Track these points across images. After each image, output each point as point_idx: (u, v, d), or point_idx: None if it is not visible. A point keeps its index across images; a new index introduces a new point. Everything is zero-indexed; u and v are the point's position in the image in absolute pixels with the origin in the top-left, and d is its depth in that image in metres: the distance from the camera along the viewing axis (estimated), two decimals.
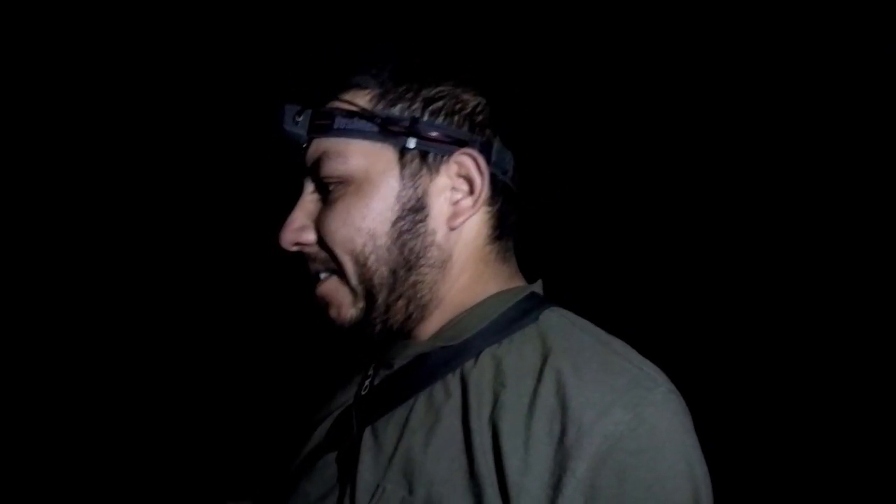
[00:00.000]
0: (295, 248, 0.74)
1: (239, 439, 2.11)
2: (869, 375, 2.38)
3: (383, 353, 0.77)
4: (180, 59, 2.42)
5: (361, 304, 0.72)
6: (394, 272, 0.71)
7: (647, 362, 0.64)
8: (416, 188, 0.71)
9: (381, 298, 0.71)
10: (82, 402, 2.34)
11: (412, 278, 0.71)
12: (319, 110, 0.73)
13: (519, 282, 0.78)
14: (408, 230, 0.71)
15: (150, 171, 2.52)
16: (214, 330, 2.44)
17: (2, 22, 2.19)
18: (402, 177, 0.71)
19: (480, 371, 0.66)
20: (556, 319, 0.70)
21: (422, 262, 0.71)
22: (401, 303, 0.72)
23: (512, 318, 0.70)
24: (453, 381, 0.67)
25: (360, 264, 0.70)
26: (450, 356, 0.69)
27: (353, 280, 0.71)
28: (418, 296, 0.72)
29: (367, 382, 0.76)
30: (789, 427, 2.41)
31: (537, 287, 0.77)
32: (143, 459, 2.25)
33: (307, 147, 0.74)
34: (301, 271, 0.77)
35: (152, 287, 2.51)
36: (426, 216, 0.71)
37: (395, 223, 0.70)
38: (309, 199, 0.76)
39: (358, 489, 0.65)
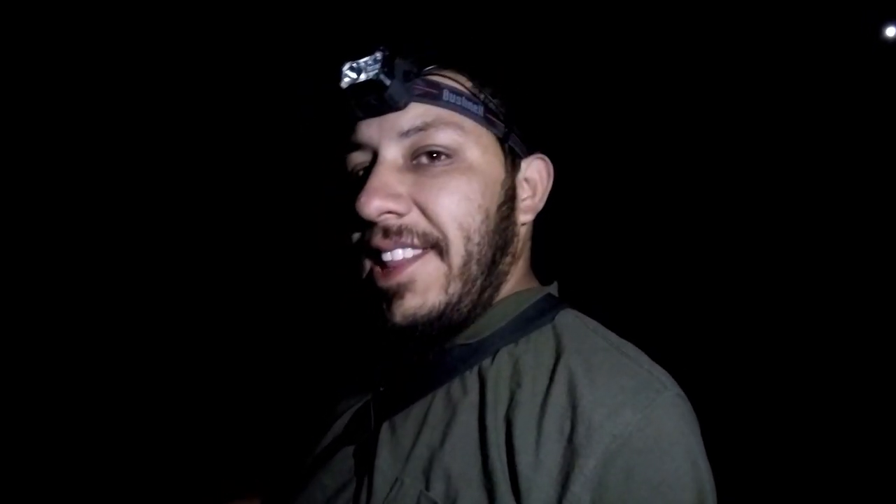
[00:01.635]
0: (382, 218, 0.67)
1: (257, 432, 2.11)
2: (872, 376, 2.37)
3: (402, 349, 0.77)
4: (181, 53, 2.40)
5: (456, 286, 0.68)
6: (494, 257, 0.71)
7: (657, 366, 0.66)
8: (513, 179, 0.74)
9: (479, 281, 0.69)
10: (89, 401, 2.36)
11: (501, 266, 0.72)
12: (429, 77, 0.70)
13: (534, 282, 0.80)
14: (506, 217, 0.72)
15: (154, 170, 2.53)
16: (234, 325, 2.46)
17: (2, 22, 2.20)
18: (504, 165, 0.73)
19: (497, 369, 0.68)
20: (571, 321, 0.72)
21: (509, 250, 0.73)
22: (488, 292, 0.71)
23: (529, 317, 0.72)
24: (471, 378, 0.69)
25: (473, 242, 0.68)
26: (467, 354, 0.71)
27: (457, 259, 0.68)
28: (500, 286, 0.73)
29: (386, 378, 0.78)
30: (794, 429, 2.40)
31: (553, 289, 0.79)
32: (157, 453, 2.27)
33: (404, 110, 0.68)
34: (357, 250, 0.71)
35: (167, 283, 2.52)
36: (515, 208, 0.74)
37: (500, 207, 0.71)
38: (395, 167, 0.69)
39: (375, 482, 0.67)
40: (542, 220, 0.79)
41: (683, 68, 2.66)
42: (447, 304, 0.68)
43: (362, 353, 0.82)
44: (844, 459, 2.26)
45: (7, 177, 2.33)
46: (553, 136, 0.80)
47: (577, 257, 2.47)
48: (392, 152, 0.69)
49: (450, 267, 0.68)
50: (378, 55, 0.66)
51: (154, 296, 2.52)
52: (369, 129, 0.70)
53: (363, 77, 0.66)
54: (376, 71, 0.65)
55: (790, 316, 2.59)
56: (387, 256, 0.68)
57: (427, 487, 0.63)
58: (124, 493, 2.19)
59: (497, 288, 0.73)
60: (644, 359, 0.67)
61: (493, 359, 0.69)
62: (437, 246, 0.68)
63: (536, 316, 0.72)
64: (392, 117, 0.68)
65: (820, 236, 2.65)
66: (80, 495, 2.18)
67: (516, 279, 0.76)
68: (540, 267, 0.82)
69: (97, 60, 2.38)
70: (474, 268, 0.68)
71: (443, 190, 0.67)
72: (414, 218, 0.68)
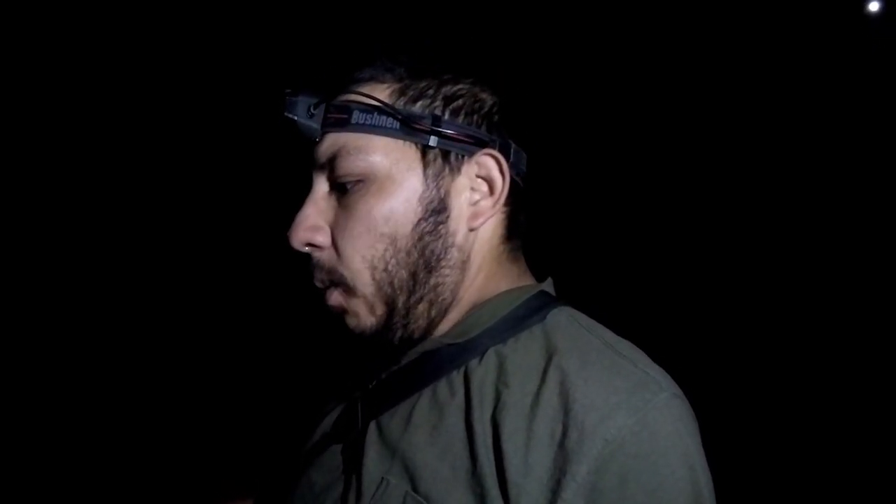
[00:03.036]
0: (306, 249, 0.71)
1: (245, 428, 2.13)
2: (873, 376, 2.40)
3: (391, 348, 0.76)
4: (184, 53, 2.41)
5: (380, 311, 0.69)
6: (413, 275, 0.69)
7: (654, 365, 0.64)
8: (439, 188, 0.69)
9: (400, 303, 0.69)
10: (82, 399, 2.37)
11: (433, 280, 0.70)
12: (335, 103, 0.70)
13: (528, 280, 0.78)
14: (430, 231, 0.69)
15: (152, 170, 2.53)
16: (222, 322, 2.47)
17: (2, 22, 2.19)
18: (425, 176, 0.69)
19: (485, 370, 0.66)
20: (564, 319, 0.70)
21: (442, 263, 0.70)
22: (422, 306, 0.70)
23: (519, 316, 0.70)
24: (458, 378, 0.68)
25: (379, 270, 0.68)
26: (455, 354, 0.69)
27: (368, 290, 0.69)
28: (439, 298, 0.71)
29: (374, 376, 0.76)
30: (796, 430, 2.38)
31: (547, 285, 0.77)
32: (147, 451, 2.28)
33: (320, 141, 0.71)
34: (307, 273, 0.74)
35: (156, 283, 2.53)
36: (447, 217, 0.70)
37: (416, 225, 0.68)
38: (321, 198, 0.71)
39: (363, 481, 0.66)
40: (536, 217, 0.76)
41: (668, 50, 2.62)
42: (382, 324, 0.70)
43: (352, 349, 0.80)
44: (845, 460, 2.25)
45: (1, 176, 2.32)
46: (518, 128, 0.75)
47: (577, 253, 2.46)
48: (319, 183, 0.72)
49: (364, 297, 0.69)
50: (287, 95, 0.70)
51: (146, 294, 2.53)
52: (310, 156, 0.73)
53: (284, 114, 0.70)
54: (285, 111, 0.69)
55: (792, 311, 2.60)
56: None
57: (413, 488, 0.62)
58: (117, 491, 2.20)
59: (432, 301, 0.71)
60: (640, 358, 0.64)
61: (480, 359, 0.67)
62: (341, 283, 0.69)
63: (527, 314, 0.70)
64: (316, 148, 0.71)
65: (811, 221, 2.67)
66: (74, 493, 2.19)
67: (483, 281, 0.74)
68: (538, 263, 0.80)
69: (78, 65, 2.36)
70: (389, 290, 0.69)
71: (348, 223, 0.68)
72: (326, 255, 0.70)
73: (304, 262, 0.73)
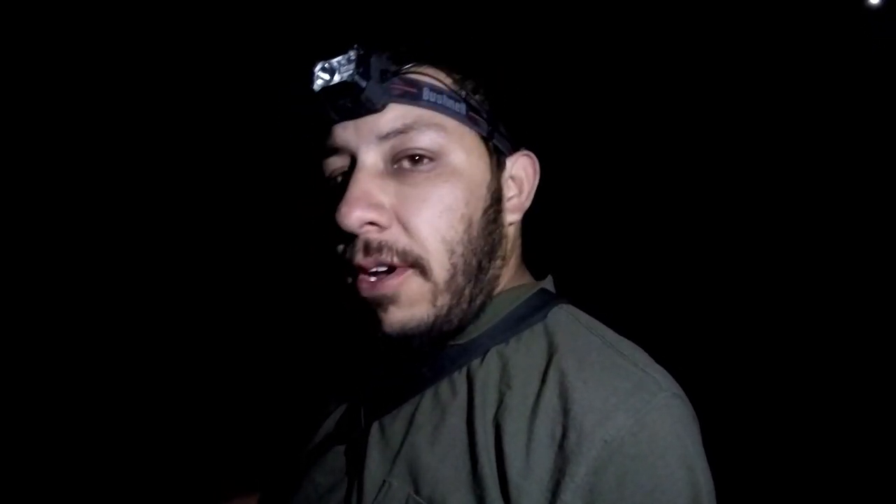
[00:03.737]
0: (363, 230, 0.63)
1: (249, 429, 2.13)
2: (874, 376, 2.39)
3: (395, 355, 0.76)
4: (179, 48, 2.39)
5: (443, 301, 0.65)
6: (479, 263, 0.67)
7: (654, 364, 0.64)
8: (498, 179, 0.70)
9: (467, 290, 0.66)
10: (91, 403, 2.37)
11: (491, 272, 0.69)
12: (406, 76, 0.65)
13: (527, 278, 0.78)
14: (493, 220, 0.69)
15: (152, 171, 2.52)
16: (226, 323, 2.47)
17: (2, 22, 2.18)
18: (490, 165, 0.69)
19: (487, 370, 0.66)
20: (564, 318, 0.70)
21: (497, 253, 0.70)
22: (479, 299, 0.68)
23: (520, 316, 0.70)
24: (460, 379, 0.68)
25: (457, 255, 0.65)
26: (457, 354, 0.69)
27: (442, 275, 0.64)
28: (493, 290, 0.70)
29: (376, 377, 0.76)
30: (797, 429, 2.37)
31: (547, 283, 0.77)
32: (151, 452, 2.28)
33: (382, 112, 0.64)
34: (338, 263, 0.67)
35: (159, 284, 2.53)
36: (502, 209, 0.70)
37: (485, 212, 0.68)
38: (376, 173, 0.65)
39: (365, 483, 0.66)
40: (537, 215, 0.76)
41: (665, 46, 2.62)
42: (437, 317, 0.65)
43: (356, 350, 0.80)
44: (845, 460, 2.25)
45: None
46: (540, 132, 0.77)
47: (578, 251, 2.46)
48: (371, 157, 0.65)
49: (435, 283, 0.64)
50: (352, 54, 0.62)
51: (149, 296, 2.53)
52: (345, 133, 0.66)
53: (337, 78, 0.62)
54: (351, 72, 0.61)
55: (794, 306, 2.59)
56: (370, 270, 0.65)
57: (416, 490, 0.62)
58: (120, 491, 2.20)
59: (489, 293, 0.70)
60: (641, 357, 0.64)
61: (482, 359, 0.67)
62: (417, 264, 0.64)
63: (528, 314, 0.70)
64: (370, 120, 0.64)
65: (809, 214, 2.66)
66: (75, 493, 2.19)
67: (508, 277, 0.74)
68: (538, 260, 0.80)
69: (72, 62, 2.35)
70: (460, 279, 0.65)
71: (425, 202, 0.64)
72: (394, 234, 0.64)
73: (331, 257, 0.68)
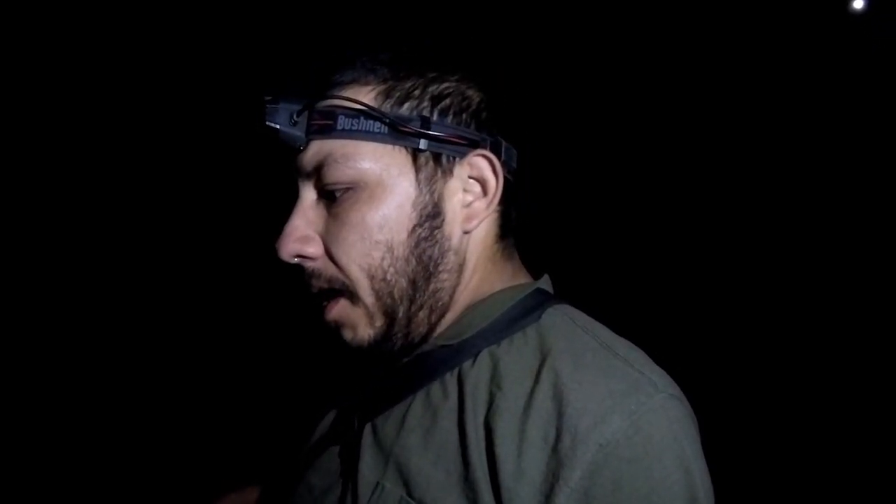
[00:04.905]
0: (296, 261, 0.68)
1: (245, 431, 2.13)
2: (874, 376, 2.40)
3: (388, 354, 0.75)
4: (173, 58, 2.41)
5: (380, 322, 0.68)
6: (413, 283, 0.67)
7: (651, 365, 0.63)
8: (433, 192, 0.67)
9: (401, 312, 0.68)
10: (90, 404, 2.37)
11: (432, 286, 0.68)
12: (319, 109, 0.66)
13: (523, 278, 0.77)
14: (426, 238, 0.67)
15: (151, 173, 2.53)
16: (222, 326, 2.47)
17: (2, 22, 2.19)
18: (417, 181, 0.67)
19: (478, 372, 0.65)
20: (559, 318, 0.68)
21: (440, 268, 0.69)
22: (422, 314, 0.69)
23: (513, 316, 0.68)
24: (451, 381, 0.67)
25: (378, 280, 0.66)
26: (449, 356, 0.68)
27: (369, 299, 0.67)
28: (439, 303, 0.70)
29: (369, 379, 0.76)
30: (797, 429, 2.36)
31: (544, 282, 0.76)
32: (148, 453, 2.28)
33: (305, 149, 0.68)
34: (301, 284, 0.71)
35: (157, 286, 2.53)
36: (442, 221, 0.68)
37: (412, 231, 0.67)
38: (309, 207, 0.69)
39: (359, 486, 0.65)
40: (536, 216, 0.75)
41: (655, 44, 2.63)
42: (381, 335, 0.68)
43: (349, 354, 0.79)
44: (845, 460, 2.24)
45: None
46: (518, 129, 0.73)
47: (578, 250, 2.45)
48: (306, 191, 0.69)
49: (365, 307, 0.67)
50: (266, 101, 0.66)
51: (146, 298, 2.53)
52: (295, 164, 0.70)
53: (266, 123, 0.67)
54: (265, 119, 0.66)
55: (793, 305, 2.60)
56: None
57: (408, 493, 0.61)
58: (119, 492, 2.20)
59: (448, 300, 0.70)
60: (637, 358, 0.63)
61: (474, 360, 0.66)
62: (346, 291, 0.67)
63: (522, 314, 0.68)
64: (300, 157, 0.68)
65: (805, 213, 2.67)
66: (75, 494, 2.19)
67: (493, 280, 0.73)
68: (535, 259, 0.79)
69: (66, 66, 2.35)
70: (389, 301, 0.67)
71: (341, 231, 0.66)
72: (321, 263, 0.68)
73: (297, 269, 0.71)
